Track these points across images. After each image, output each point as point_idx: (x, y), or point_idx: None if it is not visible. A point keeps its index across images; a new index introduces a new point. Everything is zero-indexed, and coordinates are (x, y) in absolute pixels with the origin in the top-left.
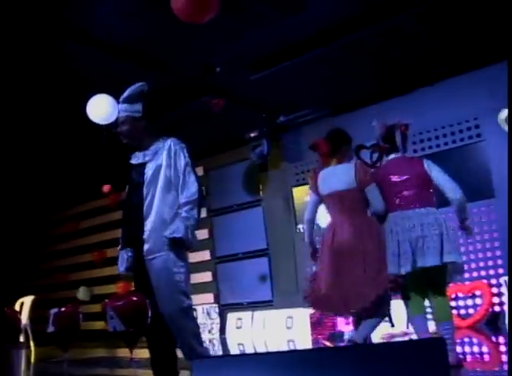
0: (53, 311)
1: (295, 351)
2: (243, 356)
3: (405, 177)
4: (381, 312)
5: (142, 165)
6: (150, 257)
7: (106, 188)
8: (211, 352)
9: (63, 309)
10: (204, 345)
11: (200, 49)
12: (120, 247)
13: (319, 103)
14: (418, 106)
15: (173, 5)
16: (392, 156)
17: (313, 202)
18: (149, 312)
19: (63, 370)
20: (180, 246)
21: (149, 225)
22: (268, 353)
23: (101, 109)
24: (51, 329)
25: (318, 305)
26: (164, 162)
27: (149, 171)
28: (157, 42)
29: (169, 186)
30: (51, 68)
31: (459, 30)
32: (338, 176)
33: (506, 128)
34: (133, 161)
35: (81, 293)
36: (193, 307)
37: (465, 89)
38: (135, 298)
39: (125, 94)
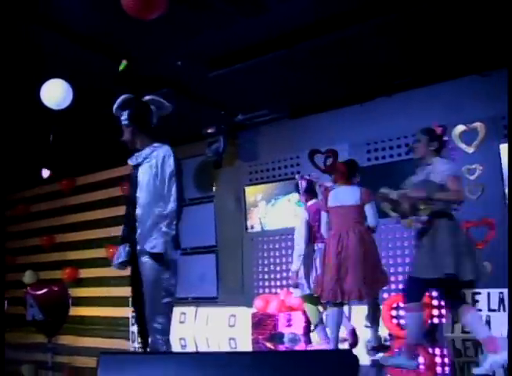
0: None
1: (204, 353)
2: (149, 354)
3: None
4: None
5: (136, 167)
6: (141, 256)
7: (45, 173)
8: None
9: None
10: (168, 345)
11: (160, 43)
12: (120, 241)
13: (278, 104)
14: (374, 116)
15: (122, 1)
16: None
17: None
18: (70, 303)
19: None
20: (159, 259)
21: (139, 228)
22: (177, 354)
23: (54, 94)
24: None
25: (326, 296)
26: (153, 170)
27: (140, 174)
28: (119, 34)
29: (156, 194)
30: (10, 52)
31: (418, 44)
32: (348, 194)
33: (459, 143)
34: (129, 162)
35: (27, 277)
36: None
37: (421, 102)
38: (56, 288)
39: (115, 104)
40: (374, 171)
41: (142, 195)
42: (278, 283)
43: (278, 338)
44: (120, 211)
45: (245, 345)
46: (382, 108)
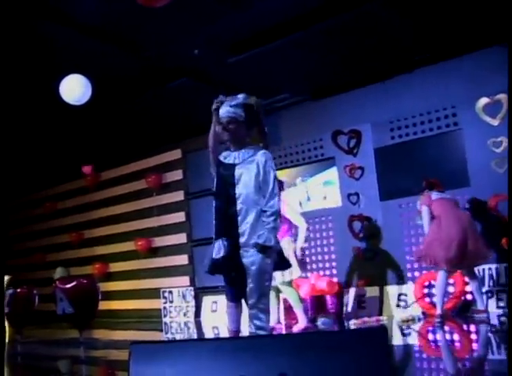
0: (9, 292)
1: (234, 338)
2: (180, 342)
3: None
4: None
5: (232, 166)
6: (245, 248)
7: (86, 169)
8: (186, 335)
9: (18, 291)
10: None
11: (178, 31)
12: (214, 237)
13: (299, 87)
14: (397, 93)
15: None
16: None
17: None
18: (99, 296)
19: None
20: (269, 252)
21: (242, 222)
22: (207, 340)
23: (74, 89)
24: (5, 310)
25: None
26: (254, 170)
27: (240, 174)
28: (136, 23)
29: (258, 192)
30: (25, 48)
31: (436, 17)
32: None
33: (483, 116)
34: (223, 159)
35: (58, 273)
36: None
37: (444, 77)
38: (84, 281)
39: (233, 100)
40: (399, 150)
41: (244, 192)
42: (308, 266)
43: (311, 321)
44: (146, 203)
45: (278, 330)
46: (404, 85)
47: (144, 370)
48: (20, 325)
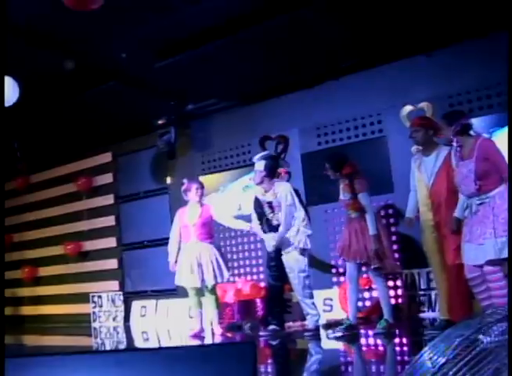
0: None
1: (104, 352)
2: (55, 355)
3: None
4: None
5: None
6: None
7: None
8: (115, 340)
9: None
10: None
11: (104, 35)
12: None
13: (227, 92)
14: (324, 100)
15: None
16: None
17: None
18: None
19: None
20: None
21: None
22: (80, 353)
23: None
24: None
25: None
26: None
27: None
28: (61, 25)
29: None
30: None
31: (363, 25)
32: None
33: (407, 124)
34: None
35: None
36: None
37: (369, 85)
38: None
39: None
40: (324, 155)
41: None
42: (235, 271)
43: (236, 326)
44: (76, 207)
45: (207, 335)
46: (331, 92)
47: None
48: None
